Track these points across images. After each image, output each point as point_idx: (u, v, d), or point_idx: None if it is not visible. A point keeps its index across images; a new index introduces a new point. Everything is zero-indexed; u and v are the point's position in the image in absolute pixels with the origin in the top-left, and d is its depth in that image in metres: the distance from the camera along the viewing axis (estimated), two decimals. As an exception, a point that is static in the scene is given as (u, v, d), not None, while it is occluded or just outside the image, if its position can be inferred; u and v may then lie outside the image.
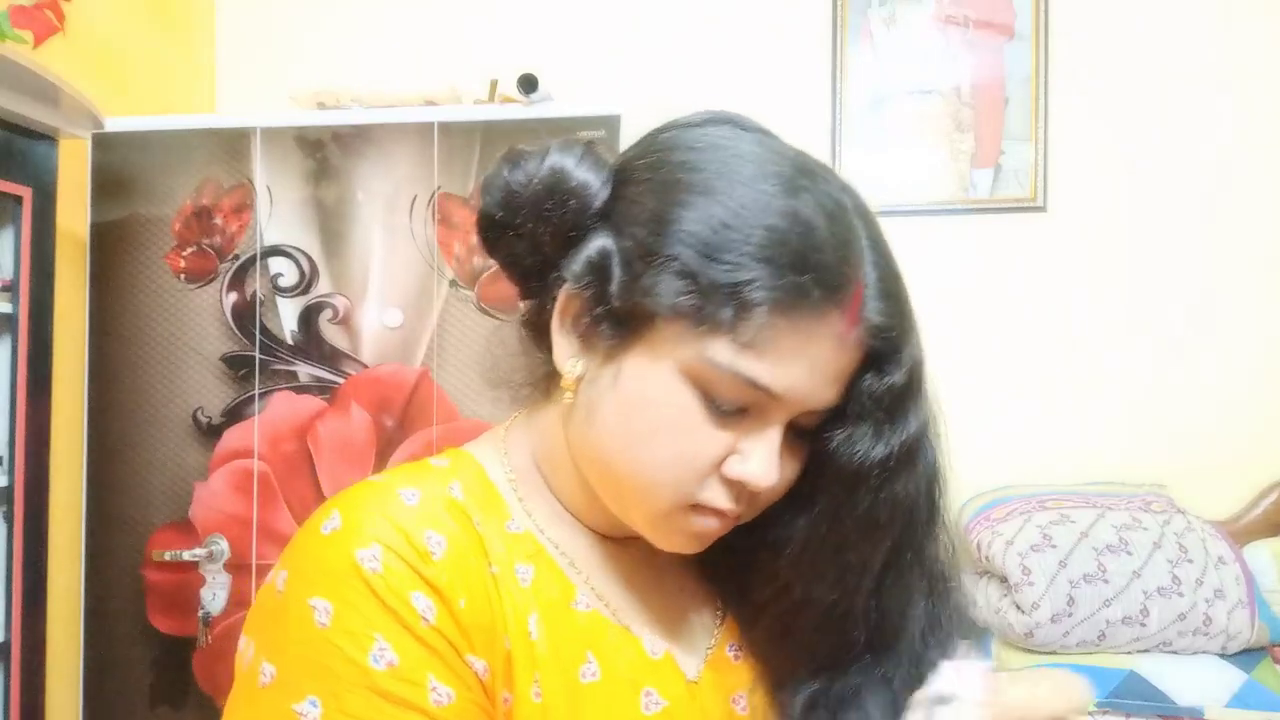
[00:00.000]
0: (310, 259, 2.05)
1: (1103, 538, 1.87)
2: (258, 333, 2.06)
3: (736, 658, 0.65)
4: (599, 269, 0.55)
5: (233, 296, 2.06)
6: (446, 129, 2.01)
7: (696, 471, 0.54)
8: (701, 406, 0.53)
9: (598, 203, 0.56)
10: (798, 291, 0.50)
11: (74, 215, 2.06)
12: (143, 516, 2.07)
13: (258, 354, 2.05)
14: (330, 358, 2.04)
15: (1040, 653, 1.85)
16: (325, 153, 2.05)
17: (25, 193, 1.72)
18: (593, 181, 0.56)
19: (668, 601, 0.65)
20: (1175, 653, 1.84)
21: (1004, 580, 1.90)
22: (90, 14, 2.07)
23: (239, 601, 2.03)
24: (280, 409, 2.04)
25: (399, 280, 2.03)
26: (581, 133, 1.97)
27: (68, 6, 1.67)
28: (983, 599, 1.97)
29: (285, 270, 2.05)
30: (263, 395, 2.05)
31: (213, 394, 2.06)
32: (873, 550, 0.58)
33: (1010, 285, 2.26)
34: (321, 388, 2.04)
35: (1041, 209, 2.25)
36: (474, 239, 2.00)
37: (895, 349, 0.55)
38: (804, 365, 0.52)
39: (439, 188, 2.01)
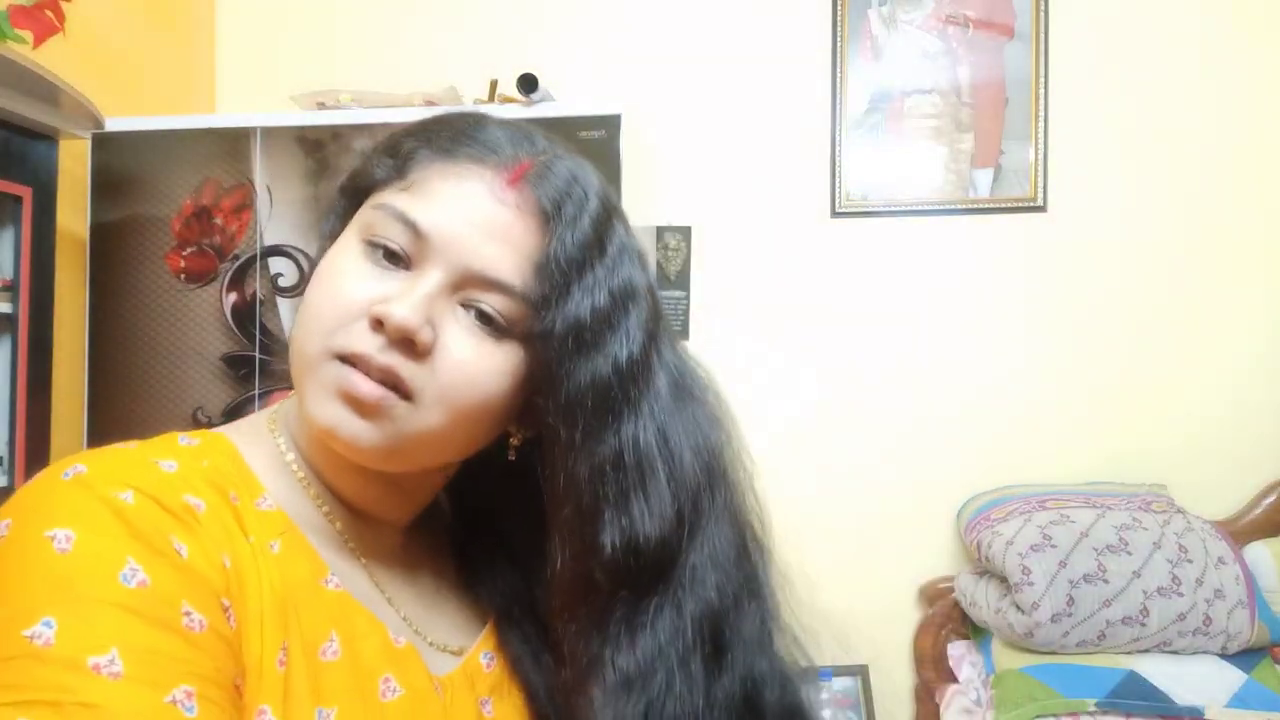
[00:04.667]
0: (310, 259, 2.05)
1: (1103, 538, 1.87)
2: (258, 333, 2.06)
3: (490, 666, 0.67)
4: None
5: (233, 296, 2.06)
6: (446, 129, 2.01)
7: (347, 312, 0.57)
8: (364, 255, 0.58)
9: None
10: (453, 142, 0.59)
11: (74, 215, 2.06)
12: (143, 516, 2.07)
13: (258, 354, 2.05)
14: (330, 358, 2.04)
15: (1040, 652, 1.85)
16: (325, 153, 2.05)
17: (25, 193, 1.72)
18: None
19: (423, 596, 0.66)
20: (1175, 653, 1.84)
21: (1004, 580, 1.90)
22: (90, 14, 2.07)
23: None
24: (280, 409, 2.04)
25: (399, 280, 2.03)
26: (581, 133, 1.98)
27: (68, 6, 1.67)
28: (983, 599, 1.97)
29: (285, 270, 2.05)
30: (263, 395, 2.05)
31: (213, 394, 2.06)
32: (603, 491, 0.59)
33: (1010, 285, 2.26)
34: (321, 388, 2.04)
35: (1041, 209, 2.25)
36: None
37: (575, 268, 0.57)
38: (454, 209, 0.57)
39: (439, 188, 2.01)
